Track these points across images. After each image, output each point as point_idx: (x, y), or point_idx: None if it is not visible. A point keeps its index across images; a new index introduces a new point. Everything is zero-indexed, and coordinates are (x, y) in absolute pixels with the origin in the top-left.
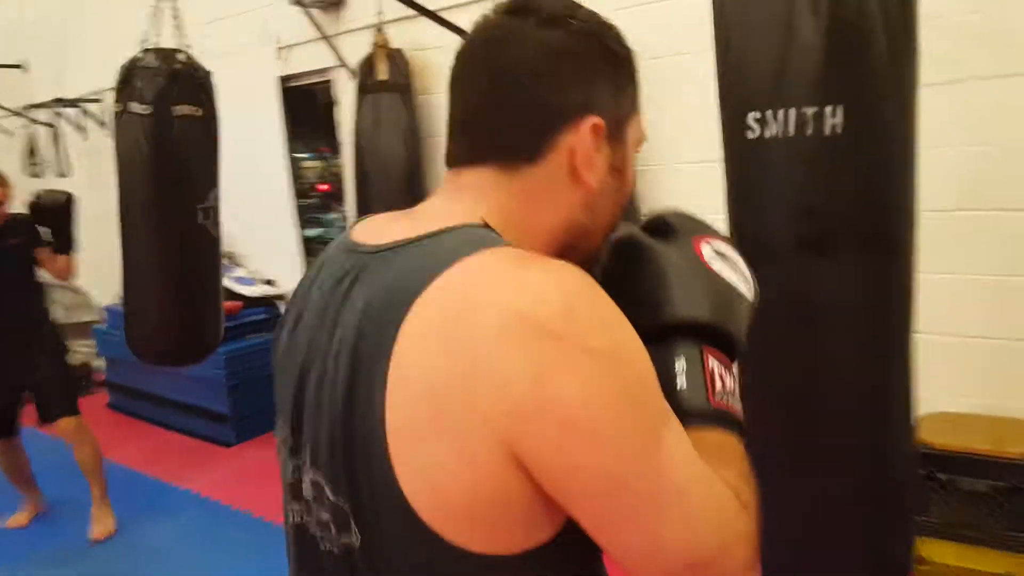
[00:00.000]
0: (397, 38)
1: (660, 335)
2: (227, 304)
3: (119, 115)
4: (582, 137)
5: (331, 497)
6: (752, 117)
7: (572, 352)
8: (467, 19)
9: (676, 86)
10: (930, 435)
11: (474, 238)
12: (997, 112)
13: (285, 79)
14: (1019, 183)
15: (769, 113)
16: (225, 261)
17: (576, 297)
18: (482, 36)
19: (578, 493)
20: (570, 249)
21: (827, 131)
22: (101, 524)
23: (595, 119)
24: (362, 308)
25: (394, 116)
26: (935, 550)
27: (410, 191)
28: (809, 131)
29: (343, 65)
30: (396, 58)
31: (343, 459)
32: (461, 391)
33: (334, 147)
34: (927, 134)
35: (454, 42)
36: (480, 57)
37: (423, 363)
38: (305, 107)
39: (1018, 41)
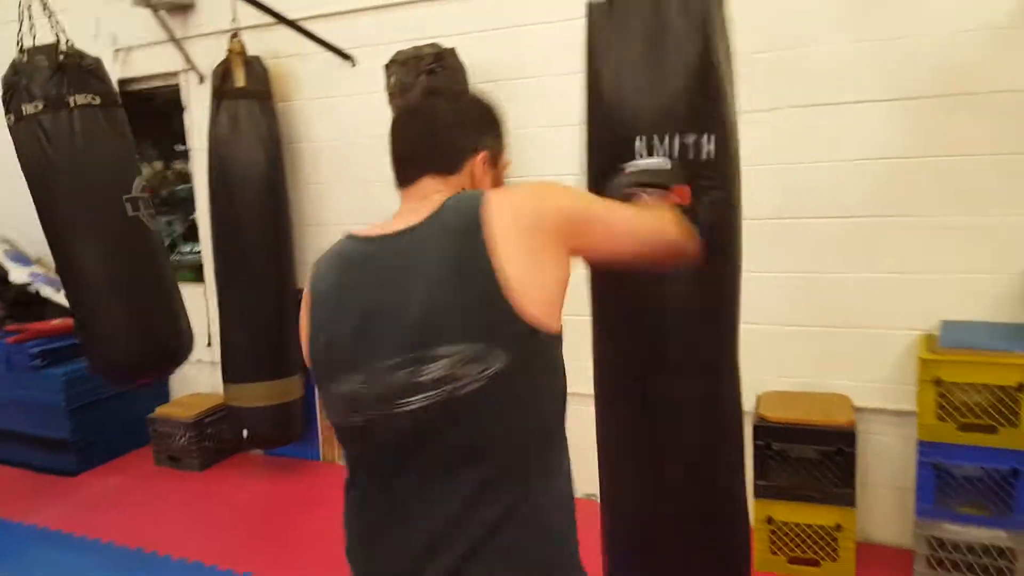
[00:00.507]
0: (252, 45)
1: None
2: (63, 321)
3: (13, 126)
4: (478, 163)
5: (470, 349)
6: (639, 142)
7: (562, 194)
8: (324, 28)
9: (540, 103)
10: (765, 411)
11: (471, 192)
12: (805, 135)
13: (123, 82)
14: (823, 195)
15: (656, 139)
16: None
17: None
18: (412, 107)
19: (596, 233)
20: None
21: (704, 156)
22: None
23: (483, 153)
24: (440, 247)
25: (253, 123)
26: (776, 510)
27: (271, 195)
28: (691, 156)
29: (191, 69)
30: (254, 65)
31: (470, 316)
32: (541, 233)
33: (167, 153)
34: (752, 154)
35: (313, 50)
36: (414, 118)
37: (508, 238)
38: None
39: (816, 77)
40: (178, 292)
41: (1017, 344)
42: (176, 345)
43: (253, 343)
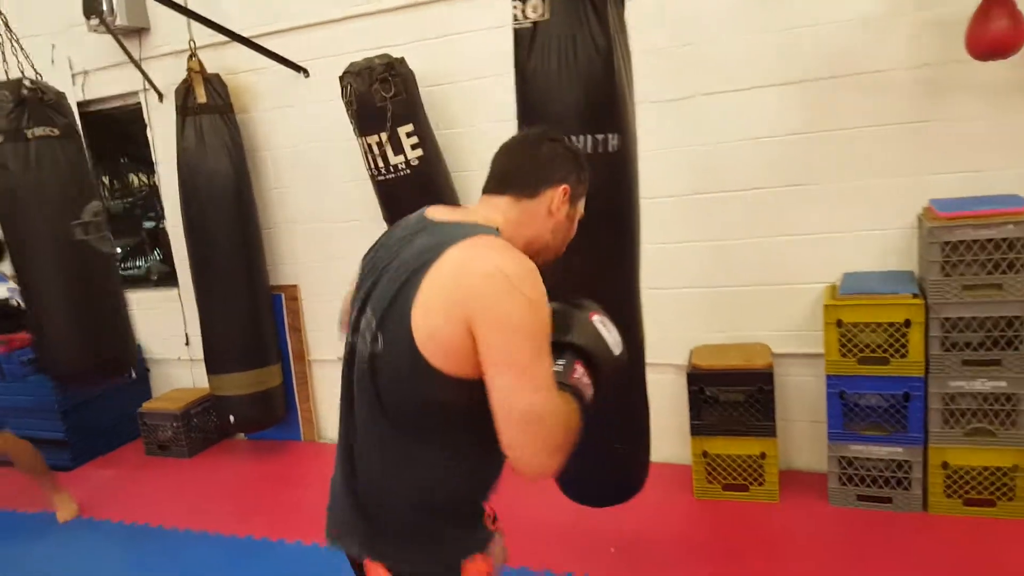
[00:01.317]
0: (209, 63)
1: (561, 348)
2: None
3: None
4: (557, 194)
5: (374, 327)
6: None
7: (518, 294)
8: (278, 44)
9: (472, 106)
10: (697, 361)
11: (479, 229)
12: (712, 119)
13: (84, 104)
14: (731, 171)
15: (574, 138)
16: None
17: (530, 272)
18: (523, 136)
19: (482, 348)
20: (535, 254)
21: (611, 149)
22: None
23: (564, 187)
24: (419, 249)
25: (218, 135)
26: (710, 445)
27: (238, 200)
28: (600, 149)
29: (151, 88)
30: (213, 82)
31: (387, 312)
32: (455, 292)
33: (116, 170)
34: (667, 139)
35: (268, 65)
36: (519, 144)
37: (440, 278)
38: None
39: (718, 67)
40: (125, 309)
41: (904, 287)
42: (121, 355)
43: (233, 337)
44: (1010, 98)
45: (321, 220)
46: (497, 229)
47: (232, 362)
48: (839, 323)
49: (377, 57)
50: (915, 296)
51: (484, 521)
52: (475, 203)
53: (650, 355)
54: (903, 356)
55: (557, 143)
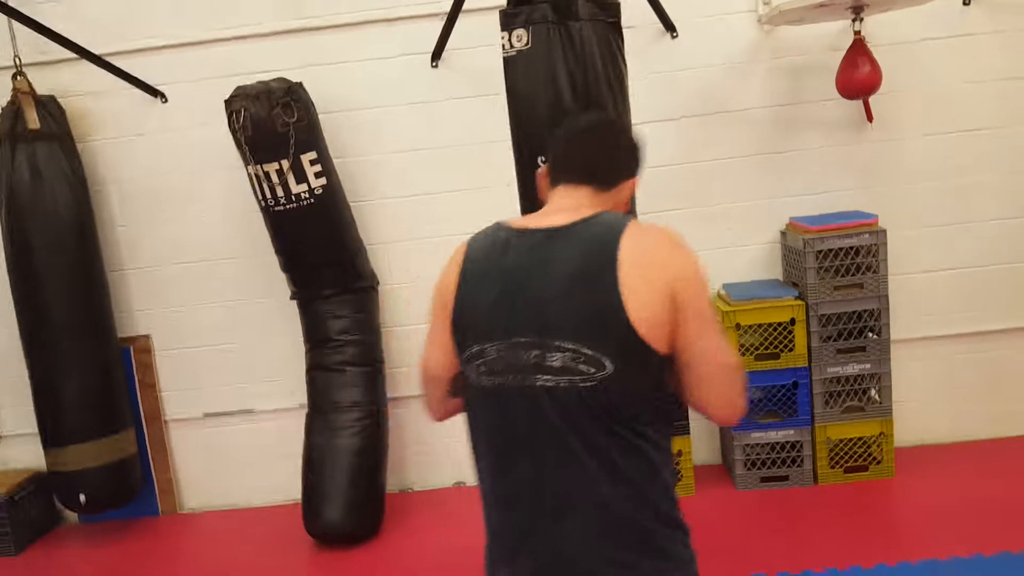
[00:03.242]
0: (38, 83)
1: None
2: None
3: None
4: (631, 185)
5: (587, 352)
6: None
7: (692, 256)
8: (127, 65)
9: (376, 133)
10: None
11: (618, 216)
12: None
13: None
14: None
15: None
16: None
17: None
18: (595, 122)
19: (690, 315)
20: None
21: None
22: None
23: (636, 179)
24: (578, 253)
25: (56, 166)
26: None
27: (81, 240)
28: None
29: None
30: (48, 105)
31: (593, 322)
32: (655, 271)
33: None
34: None
35: (112, 87)
36: (595, 133)
37: (629, 263)
38: None
39: None
40: None
41: (784, 292)
42: None
43: (77, 400)
44: (844, 132)
45: (178, 261)
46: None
47: (77, 430)
48: (737, 326)
49: (273, 80)
50: (796, 298)
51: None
52: (550, 202)
53: None
54: (790, 350)
55: (628, 134)
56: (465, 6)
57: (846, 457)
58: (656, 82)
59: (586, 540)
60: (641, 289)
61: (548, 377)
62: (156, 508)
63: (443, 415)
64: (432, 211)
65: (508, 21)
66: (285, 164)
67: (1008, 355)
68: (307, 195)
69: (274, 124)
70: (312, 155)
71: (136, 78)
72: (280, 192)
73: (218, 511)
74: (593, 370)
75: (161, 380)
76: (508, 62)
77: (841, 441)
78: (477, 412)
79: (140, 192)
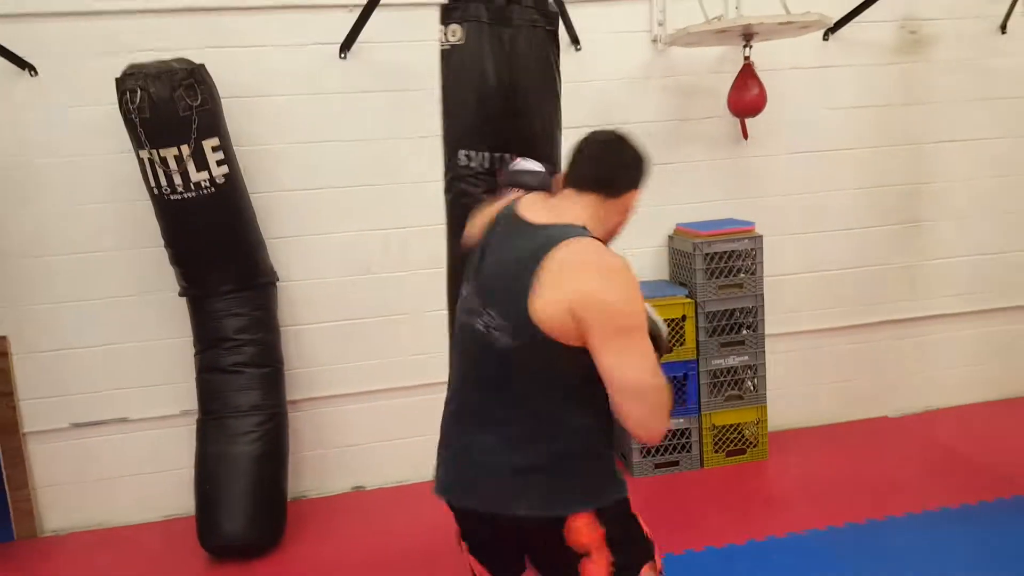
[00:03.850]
0: None
1: None
2: None
3: None
4: (635, 196)
5: (500, 320)
6: (462, 153)
7: (617, 282)
8: None
9: (278, 122)
10: None
11: (573, 231)
12: None
13: None
14: None
15: (473, 152)
16: None
17: (625, 268)
18: (608, 137)
19: (592, 331)
20: (607, 239)
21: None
22: None
23: (639, 191)
24: (533, 247)
25: None
26: None
27: None
28: (498, 166)
29: None
30: None
31: (509, 303)
32: (562, 283)
33: None
34: None
35: None
36: (608, 147)
37: (552, 271)
38: None
39: None
40: None
41: (675, 291)
42: None
43: None
44: (723, 147)
45: (43, 253)
46: (584, 227)
47: None
48: None
49: (174, 60)
50: (687, 296)
51: None
52: (558, 198)
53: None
54: (682, 344)
55: (636, 148)
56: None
57: (727, 442)
58: (563, 92)
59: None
60: (547, 292)
61: (484, 328)
62: (11, 533)
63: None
64: (336, 206)
65: (446, 15)
66: (185, 150)
67: (862, 348)
68: (208, 184)
69: (176, 106)
70: (215, 141)
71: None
72: (178, 180)
73: (87, 532)
74: (504, 337)
75: (19, 387)
76: (443, 55)
77: (724, 427)
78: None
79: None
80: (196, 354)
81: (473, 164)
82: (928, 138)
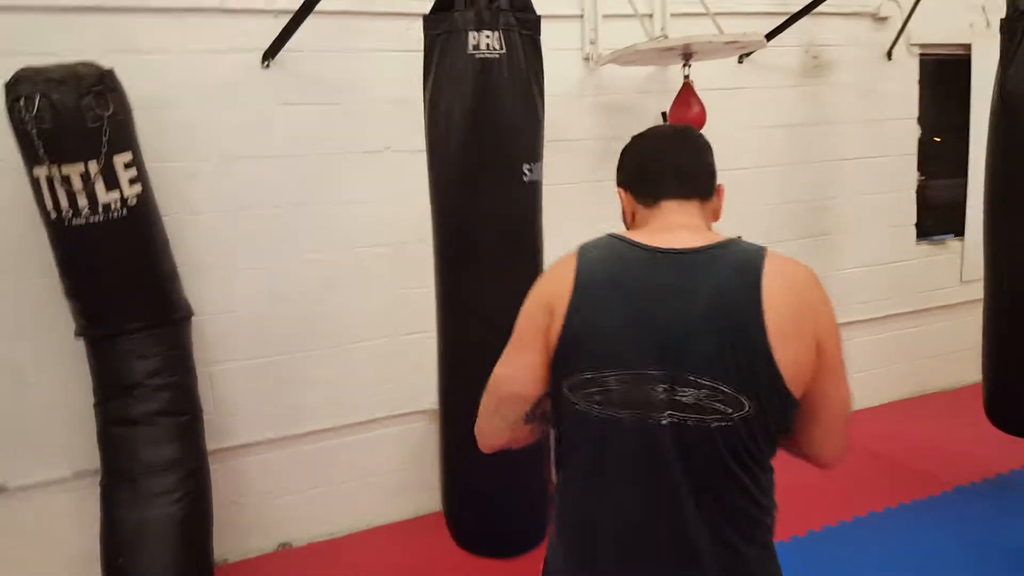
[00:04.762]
0: None
1: None
2: None
3: None
4: (721, 191)
5: (726, 390)
6: (525, 167)
7: (831, 303)
8: None
9: (189, 136)
10: None
11: (752, 246)
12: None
13: None
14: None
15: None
16: None
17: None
18: (680, 130)
19: (828, 366)
20: None
21: (537, 178)
22: None
23: (721, 184)
24: (717, 284)
25: None
26: None
27: None
28: (527, 178)
29: None
30: None
31: (736, 365)
32: (804, 317)
33: None
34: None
35: None
36: (685, 141)
37: (779, 303)
38: None
39: None
40: None
41: None
42: None
43: None
44: None
45: None
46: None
47: None
48: None
49: (79, 64)
50: None
51: None
52: (651, 216)
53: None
54: None
55: (703, 137)
56: (300, 7)
57: None
58: None
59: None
60: (790, 333)
61: (677, 413)
62: None
63: (505, 442)
64: (254, 230)
65: (479, 22)
66: (93, 167)
67: None
68: (119, 206)
69: (83, 116)
70: (127, 157)
71: None
72: (83, 201)
73: None
74: (731, 410)
75: None
76: (478, 64)
77: None
78: (578, 442)
79: None
80: (96, 404)
81: (534, 177)
82: (829, 156)
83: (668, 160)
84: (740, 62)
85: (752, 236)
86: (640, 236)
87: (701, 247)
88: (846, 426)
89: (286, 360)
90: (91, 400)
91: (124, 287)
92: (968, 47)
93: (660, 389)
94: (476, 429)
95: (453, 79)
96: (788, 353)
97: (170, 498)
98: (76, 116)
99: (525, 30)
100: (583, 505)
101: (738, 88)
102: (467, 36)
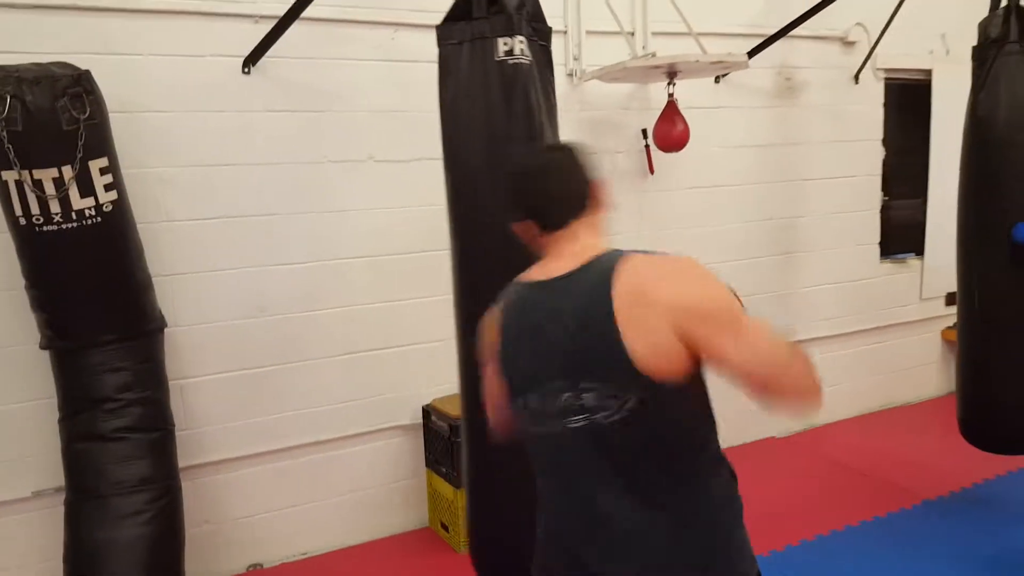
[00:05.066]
0: None
1: None
2: None
3: None
4: (599, 189)
5: (608, 392)
6: None
7: (688, 285)
8: None
9: (164, 141)
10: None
11: (612, 255)
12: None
13: None
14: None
15: None
16: None
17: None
18: (538, 162)
19: (709, 335)
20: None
21: None
22: None
23: (597, 180)
24: (577, 305)
25: None
26: None
27: None
28: None
29: None
30: None
31: (605, 367)
32: (649, 309)
33: None
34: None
35: None
36: (547, 171)
37: (623, 303)
38: None
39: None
40: None
41: None
42: None
43: None
44: (631, 180)
45: None
46: (616, 249)
47: None
48: None
49: (54, 64)
50: None
51: None
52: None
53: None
54: None
55: (556, 157)
56: (285, 13)
57: None
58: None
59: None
60: (640, 328)
61: (579, 417)
62: None
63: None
64: (231, 238)
65: (507, 28)
66: (68, 172)
67: None
68: (93, 212)
69: (58, 119)
70: (103, 162)
71: None
72: (55, 207)
73: None
74: (616, 404)
75: None
76: (508, 69)
77: None
78: (532, 452)
79: None
80: (62, 420)
81: None
82: (799, 176)
83: (537, 198)
84: (717, 82)
85: (725, 252)
86: (534, 271)
87: (569, 272)
88: (788, 363)
89: (260, 374)
90: (54, 415)
91: (96, 297)
92: (929, 72)
93: (563, 399)
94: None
95: (479, 85)
96: (642, 344)
97: (141, 518)
98: (51, 118)
99: (541, 40)
100: (543, 511)
101: (715, 108)
102: (496, 42)
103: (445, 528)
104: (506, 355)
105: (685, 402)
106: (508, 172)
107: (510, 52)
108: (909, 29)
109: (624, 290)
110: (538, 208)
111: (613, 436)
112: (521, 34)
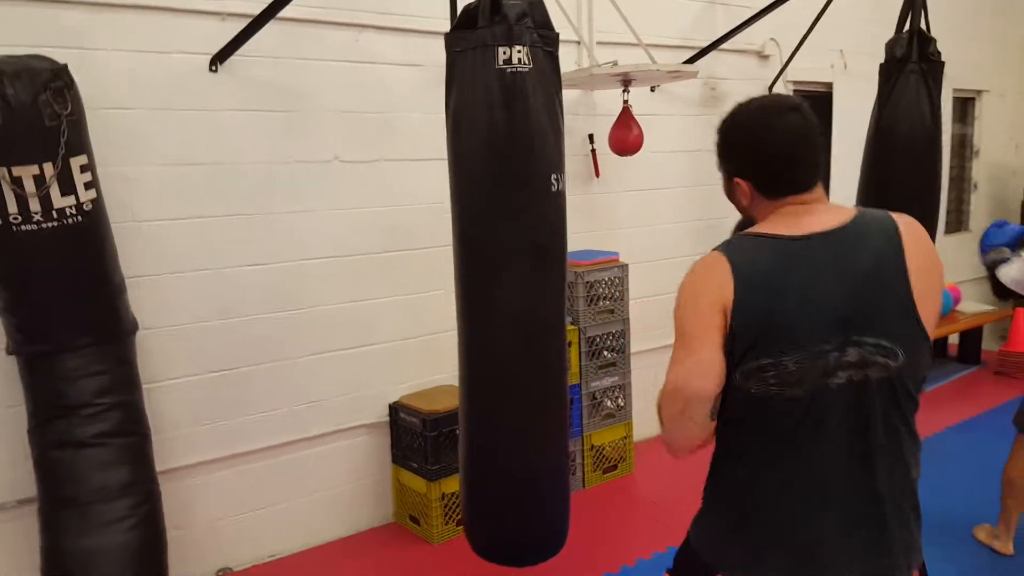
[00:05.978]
0: None
1: None
2: None
3: None
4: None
5: (886, 344)
6: (553, 177)
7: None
8: None
9: (131, 140)
10: (423, 406)
11: (882, 212)
12: (401, 182)
13: None
14: (414, 232)
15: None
16: None
17: None
18: (795, 106)
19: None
20: None
21: (562, 187)
22: None
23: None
24: (873, 254)
25: None
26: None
27: None
28: (554, 188)
29: None
30: None
31: (889, 322)
32: (931, 268)
33: None
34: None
35: None
36: (806, 121)
37: (916, 265)
38: None
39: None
40: None
41: None
42: None
43: None
44: (579, 184)
45: None
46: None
47: None
48: None
49: (32, 57)
50: (572, 323)
51: None
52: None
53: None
54: (568, 369)
55: (811, 117)
56: (260, 13)
57: (603, 460)
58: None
59: (899, 528)
60: (924, 284)
61: (844, 373)
62: None
63: (701, 443)
64: (199, 239)
65: (508, 37)
66: (49, 169)
67: None
68: (73, 211)
69: (40, 114)
70: (83, 160)
71: None
72: (35, 206)
73: None
74: (890, 362)
75: None
76: (510, 78)
77: (600, 446)
78: (753, 422)
79: None
80: (33, 428)
81: (560, 187)
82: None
83: (797, 157)
84: (652, 91)
85: (660, 250)
86: (782, 228)
87: (847, 223)
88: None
89: (227, 376)
90: (16, 425)
91: (75, 299)
92: (831, 85)
93: (831, 359)
94: (666, 440)
95: (482, 92)
96: (923, 300)
97: (125, 525)
98: (33, 114)
99: (547, 47)
100: (783, 484)
101: (651, 115)
102: (497, 51)
103: (415, 521)
104: (751, 311)
105: (925, 361)
106: (766, 127)
107: (508, 61)
108: (812, 45)
109: (913, 247)
110: (800, 167)
111: (875, 394)
112: (521, 43)
